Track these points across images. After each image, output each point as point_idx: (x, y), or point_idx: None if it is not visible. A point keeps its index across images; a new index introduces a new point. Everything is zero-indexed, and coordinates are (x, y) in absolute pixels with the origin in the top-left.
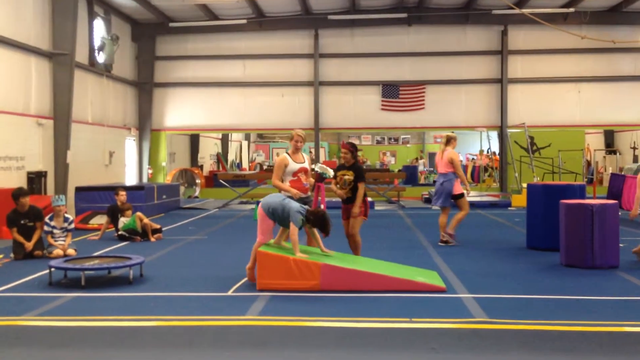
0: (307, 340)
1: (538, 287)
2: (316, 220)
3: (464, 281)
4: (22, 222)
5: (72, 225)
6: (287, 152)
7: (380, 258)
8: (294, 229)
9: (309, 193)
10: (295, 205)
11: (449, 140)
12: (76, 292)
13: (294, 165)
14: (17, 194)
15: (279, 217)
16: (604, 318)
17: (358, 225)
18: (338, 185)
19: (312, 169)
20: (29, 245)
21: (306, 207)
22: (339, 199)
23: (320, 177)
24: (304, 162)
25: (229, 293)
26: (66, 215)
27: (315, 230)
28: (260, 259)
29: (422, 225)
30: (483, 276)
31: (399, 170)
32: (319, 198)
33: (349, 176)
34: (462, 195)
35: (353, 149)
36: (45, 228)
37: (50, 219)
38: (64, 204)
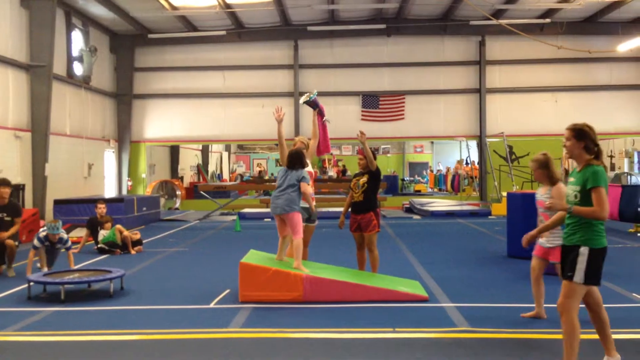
0: (291, 351)
1: (520, 295)
2: (293, 158)
3: (446, 290)
4: None
5: (69, 243)
6: None
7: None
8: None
9: (315, 210)
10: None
11: None
12: (56, 306)
13: None
14: None
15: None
16: (587, 326)
17: (375, 239)
18: (352, 190)
19: (304, 102)
20: (3, 234)
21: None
22: (344, 210)
23: (313, 104)
24: (308, 166)
25: (211, 305)
26: (62, 236)
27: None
28: (242, 270)
29: (404, 235)
30: (465, 285)
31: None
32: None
33: (363, 179)
34: None
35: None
36: (35, 243)
37: (45, 239)
38: (58, 233)
